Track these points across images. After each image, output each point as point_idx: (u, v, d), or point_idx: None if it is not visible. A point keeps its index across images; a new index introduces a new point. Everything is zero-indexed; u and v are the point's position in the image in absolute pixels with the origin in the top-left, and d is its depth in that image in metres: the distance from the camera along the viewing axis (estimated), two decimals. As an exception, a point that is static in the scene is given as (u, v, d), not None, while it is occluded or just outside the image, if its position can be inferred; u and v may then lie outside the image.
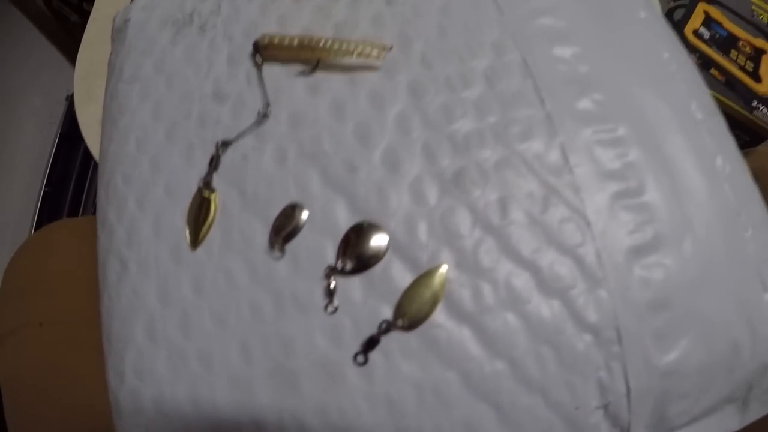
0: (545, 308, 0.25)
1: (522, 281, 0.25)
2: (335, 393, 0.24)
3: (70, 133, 0.66)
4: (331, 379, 0.24)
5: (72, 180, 0.65)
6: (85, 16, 0.70)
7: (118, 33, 0.35)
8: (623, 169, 0.27)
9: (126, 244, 0.28)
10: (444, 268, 0.25)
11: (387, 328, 0.24)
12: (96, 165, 0.70)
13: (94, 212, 0.69)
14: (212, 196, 0.27)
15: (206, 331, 0.26)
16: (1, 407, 0.39)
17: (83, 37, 0.49)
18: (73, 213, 0.65)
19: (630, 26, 0.31)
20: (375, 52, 0.27)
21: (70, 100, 0.67)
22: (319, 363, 0.24)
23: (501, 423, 0.25)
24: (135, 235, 0.28)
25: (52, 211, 0.63)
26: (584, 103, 0.28)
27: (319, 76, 0.28)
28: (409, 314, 0.25)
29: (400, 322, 0.25)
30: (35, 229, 0.63)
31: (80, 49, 0.49)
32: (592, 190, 0.26)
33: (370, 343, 0.25)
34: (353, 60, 0.28)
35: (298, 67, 0.29)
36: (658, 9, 0.44)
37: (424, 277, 0.25)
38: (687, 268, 0.27)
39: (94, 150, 0.46)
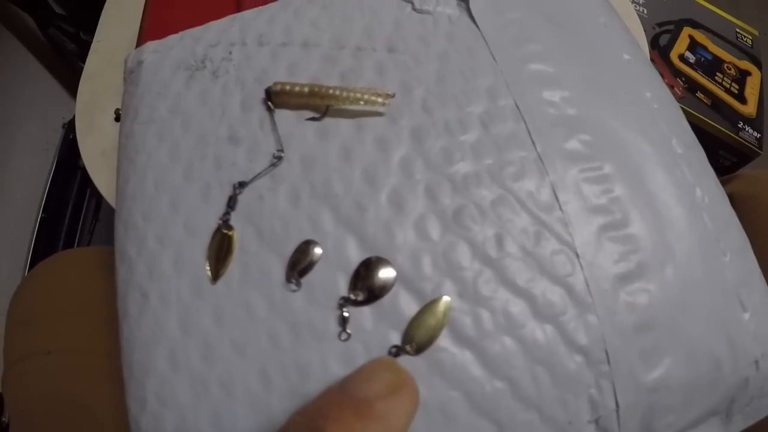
0: (539, 332, 0.30)
1: (518, 308, 0.30)
2: (350, 414, 0.29)
3: (66, 160, 0.70)
4: (346, 401, 0.29)
5: (69, 207, 0.69)
6: (81, 44, 0.74)
7: (130, 74, 0.39)
8: (609, 204, 0.32)
9: (147, 277, 0.32)
10: (446, 298, 0.30)
11: (397, 352, 0.29)
12: (93, 192, 0.74)
13: (90, 239, 0.73)
14: (232, 234, 0.31)
15: (227, 360, 0.30)
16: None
17: (84, 69, 0.54)
18: (70, 239, 0.68)
19: (615, 69, 0.36)
20: (380, 99, 0.32)
21: (67, 128, 0.71)
22: (335, 387, 0.29)
23: (501, 438, 0.29)
24: (155, 269, 0.32)
25: (48, 237, 0.67)
26: (572, 144, 0.33)
27: (329, 121, 0.33)
28: (417, 340, 0.29)
29: (408, 348, 0.29)
30: (32, 256, 0.66)
31: (81, 80, 0.53)
32: (581, 224, 0.31)
33: (380, 368, 0.29)
34: (360, 107, 0.32)
35: (307, 113, 0.34)
36: (645, 46, 0.50)
37: (429, 306, 0.30)
38: (669, 293, 0.31)
39: (96, 178, 0.50)
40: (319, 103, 0.33)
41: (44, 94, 0.76)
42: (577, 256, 0.31)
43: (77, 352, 0.44)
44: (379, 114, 0.33)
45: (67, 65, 0.76)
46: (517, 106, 0.33)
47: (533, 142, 0.33)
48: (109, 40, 0.56)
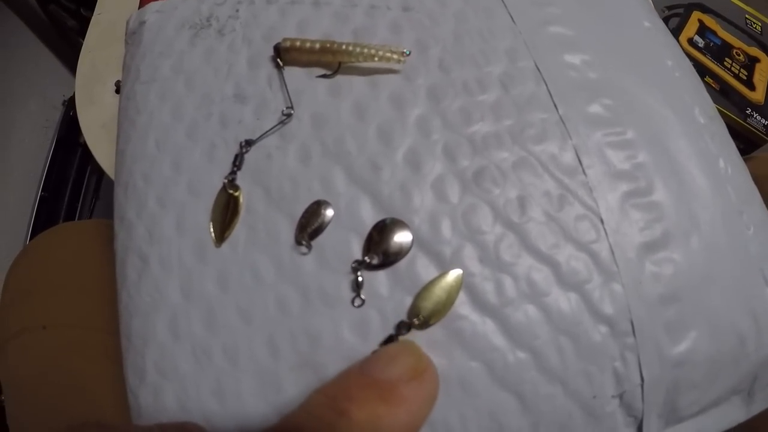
0: (564, 301, 0.27)
1: (542, 275, 0.27)
2: (362, 385, 0.26)
3: (66, 137, 0.67)
4: (359, 371, 0.26)
5: (68, 185, 0.67)
6: (81, 21, 0.71)
7: (132, 35, 0.36)
8: (633, 170, 0.30)
9: (147, 241, 0.30)
10: (459, 271, 0.27)
11: (400, 328, 0.26)
12: (93, 170, 0.71)
13: (90, 217, 0.70)
14: (238, 194, 0.28)
15: (232, 327, 0.28)
16: (3, 411, 0.39)
17: (84, 41, 0.51)
18: (70, 218, 0.66)
19: (635, 35, 0.34)
20: (396, 57, 0.30)
21: (67, 105, 0.68)
22: (347, 356, 0.26)
23: (523, 412, 0.27)
24: (156, 233, 0.30)
25: (48, 216, 0.65)
26: (595, 108, 0.31)
27: (341, 78, 0.31)
28: (424, 313, 0.26)
29: (416, 321, 0.26)
30: (31, 235, 0.64)
31: (81, 53, 0.51)
32: (605, 189, 0.29)
33: (389, 341, 0.26)
34: (374, 64, 0.30)
35: (318, 70, 0.31)
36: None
37: (440, 279, 0.27)
38: (694, 264, 0.29)
39: (95, 151, 0.48)
40: (330, 60, 0.30)
41: (44, 71, 0.73)
42: (602, 222, 0.28)
43: (73, 328, 0.41)
44: (394, 71, 0.30)
45: (67, 42, 0.72)
46: (538, 68, 0.31)
47: (555, 105, 0.30)
48: (109, 13, 0.53)
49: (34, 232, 0.62)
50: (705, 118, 0.33)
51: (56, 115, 0.69)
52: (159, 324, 0.29)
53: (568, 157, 0.29)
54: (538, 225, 0.28)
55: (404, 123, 0.29)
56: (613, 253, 0.28)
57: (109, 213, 0.34)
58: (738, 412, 0.33)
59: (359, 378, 0.20)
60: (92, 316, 0.41)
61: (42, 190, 0.63)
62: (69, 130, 0.66)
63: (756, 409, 0.33)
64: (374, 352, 0.24)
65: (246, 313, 0.28)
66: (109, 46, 0.51)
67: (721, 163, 0.32)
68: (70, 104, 0.68)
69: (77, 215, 0.66)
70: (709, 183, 0.31)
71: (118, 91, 0.48)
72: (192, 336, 0.28)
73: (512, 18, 0.33)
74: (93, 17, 0.52)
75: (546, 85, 0.31)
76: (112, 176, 0.47)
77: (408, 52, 0.30)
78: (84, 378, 0.39)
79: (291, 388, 0.27)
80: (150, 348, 0.29)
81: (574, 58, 0.32)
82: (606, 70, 0.32)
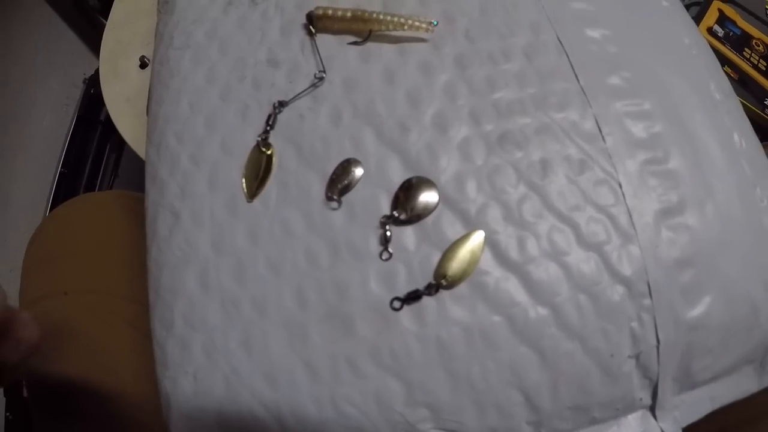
0: (583, 260, 0.28)
1: (562, 235, 0.29)
2: (388, 335, 0.27)
3: (86, 115, 0.69)
4: (385, 322, 0.27)
5: (88, 162, 0.68)
6: None
7: (164, 4, 0.38)
8: (650, 140, 0.31)
9: (179, 197, 0.31)
10: (481, 233, 0.28)
11: (436, 288, 0.27)
12: (112, 147, 0.73)
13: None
14: (270, 152, 0.30)
15: (261, 279, 0.29)
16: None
17: (109, 18, 0.53)
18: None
19: (654, 13, 0.35)
20: (424, 26, 0.31)
21: (87, 83, 0.70)
22: (374, 307, 0.28)
23: (543, 367, 0.28)
24: (188, 189, 0.31)
25: (67, 191, 0.66)
26: (614, 80, 0.32)
27: (371, 45, 0.32)
28: (450, 273, 0.28)
29: (443, 282, 0.28)
30: (51, 210, 0.65)
31: (106, 29, 0.52)
32: (623, 156, 0.30)
33: (413, 297, 0.28)
34: (404, 32, 0.31)
35: (349, 38, 0.33)
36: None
37: (463, 240, 0.28)
38: (709, 231, 0.30)
39: (119, 124, 0.49)
40: (362, 28, 0.32)
41: (65, 49, 0.75)
42: (620, 186, 0.30)
43: (94, 294, 0.42)
44: (422, 40, 0.32)
45: (88, 21, 0.74)
46: (560, 41, 0.32)
47: (576, 75, 0.32)
48: (133, -9, 0.54)
49: (54, 208, 0.63)
50: (720, 95, 0.35)
51: (77, 93, 0.71)
52: (189, 277, 0.30)
53: (589, 125, 0.31)
54: (560, 187, 0.29)
55: (432, 88, 0.31)
56: (630, 216, 0.29)
57: (128, 189, 0.35)
58: (750, 382, 0.34)
59: None
60: (112, 283, 0.42)
61: (62, 167, 0.65)
62: (89, 108, 0.68)
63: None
64: None
65: (275, 266, 0.29)
66: (134, 22, 0.53)
67: (736, 138, 0.34)
68: (90, 82, 0.69)
69: (96, 190, 0.68)
70: (723, 155, 0.32)
71: (142, 66, 0.50)
72: (222, 288, 0.29)
73: (536, -7, 0.34)
74: (116, -5, 0.54)
75: (567, 56, 0.32)
76: (136, 150, 0.48)
77: (435, 23, 0.32)
78: (104, 343, 0.40)
79: (317, 338, 0.28)
80: (179, 300, 0.30)
81: (594, 33, 0.33)
82: (625, 44, 0.34)
